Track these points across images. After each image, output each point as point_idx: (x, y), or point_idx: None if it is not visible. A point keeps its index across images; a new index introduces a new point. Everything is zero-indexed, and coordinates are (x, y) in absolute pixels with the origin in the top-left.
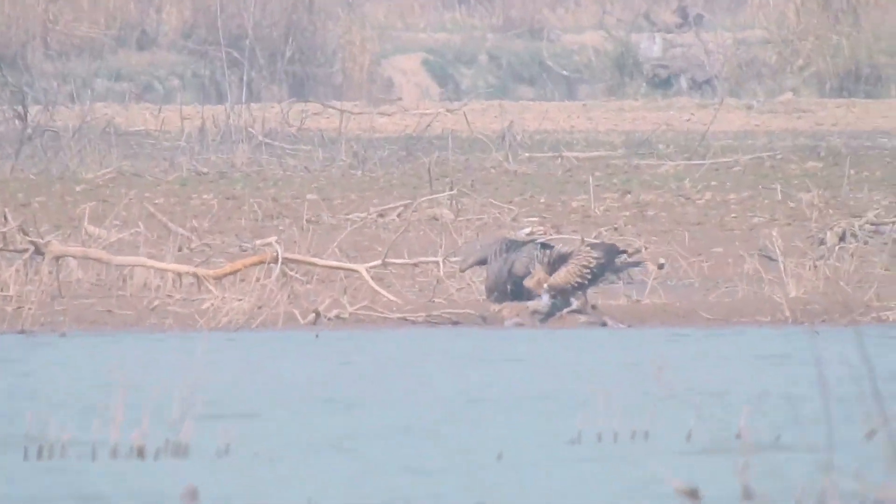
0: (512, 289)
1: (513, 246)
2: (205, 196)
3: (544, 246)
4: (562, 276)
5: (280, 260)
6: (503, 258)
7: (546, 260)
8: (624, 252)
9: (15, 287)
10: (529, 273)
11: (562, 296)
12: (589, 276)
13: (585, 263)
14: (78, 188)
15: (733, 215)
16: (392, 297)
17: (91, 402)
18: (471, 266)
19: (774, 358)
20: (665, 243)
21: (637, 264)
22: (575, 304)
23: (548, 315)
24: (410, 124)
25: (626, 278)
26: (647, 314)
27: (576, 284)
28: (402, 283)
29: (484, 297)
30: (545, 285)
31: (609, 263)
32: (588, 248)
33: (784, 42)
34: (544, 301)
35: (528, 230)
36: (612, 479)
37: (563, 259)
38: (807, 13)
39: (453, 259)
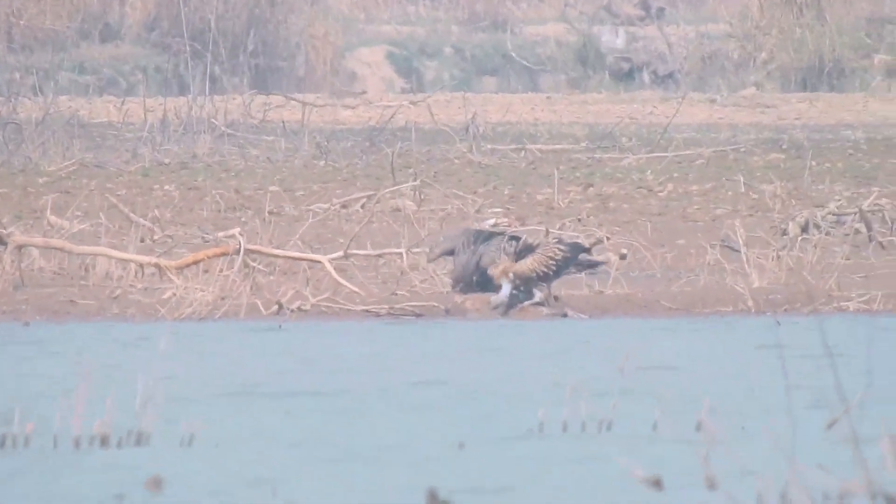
0: (478, 280)
1: (481, 237)
2: (167, 187)
3: (513, 238)
4: (527, 264)
5: (242, 251)
6: (471, 249)
7: (512, 250)
8: (588, 250)
9: None
10: (496, 264)
11: (525, 286)
12: (553, 268)
13: (551, 255)
14: (41, 180)
15: (696, 207)
16: (355, 289)
17: (54, 392)
18: (438, 256)
19: (737, 348)
20: (627, 234)
21: (598, 265)
22: (538, 296)
23: (508, 306)
24: (374, 116)
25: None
26: (610, 305)
27: (540, 273)
28: (365, 274)
29: (449, 288)
30: (510, 273)
31: (573, 259)
32: (556, 241)
33: (747, 36)
34: (503, 293)
35: (492, 221)
36: (576, 469)
37: (529, 249)
38: (770, 7)
39: (416, 250)
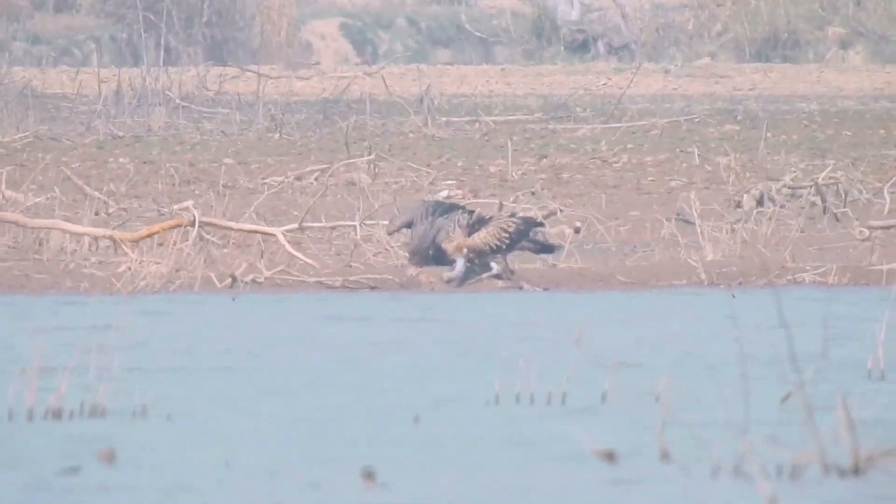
0: (433, 254)
1: (440, 209)
2: (121, 160)
3: (468, 211)
4: (481, 237)
5: (197, 224)
6: (429, 221)
7: (466, 222)
8: (542, 224)
9: None
10: (450, 239)
11: (479, 259)
12: (507, 241)
13: (504, 227)
14: None
15: (650, 178)
16: (309, 261)
17: (8, 366)
18: (398, 229)
19: (692, 321)
20: (582, 207)
21: (553, 248)
22: (495, 268)
23: (464, 280)
24: (328, 88)
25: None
26: (564, 278)
27: (494, 246)
28: (320, 247)
29: (405, 260)
30: (463, 249)
31: (526, 232)
32: (509, 214)
33: (701, 6)
34: (458, 268)
35: (444, 193)
36: (530, 441)
37: (483, 222)
38: None
39: (371, 223)
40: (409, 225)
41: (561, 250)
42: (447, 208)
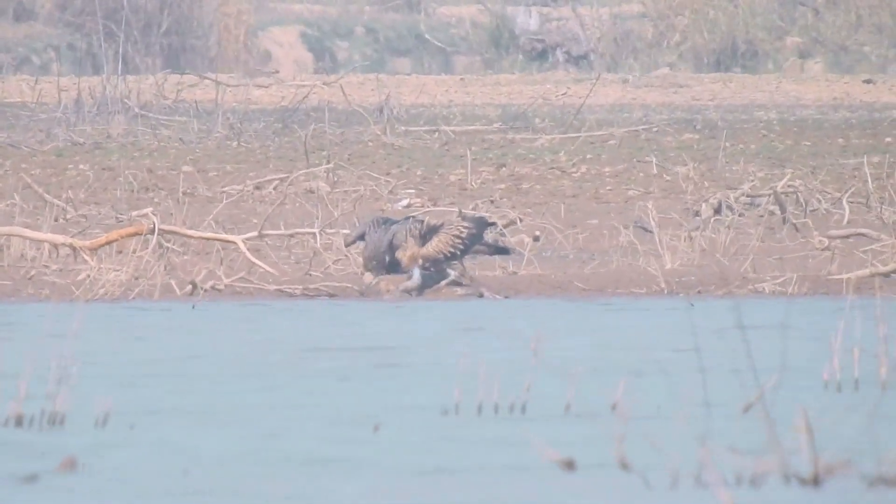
0: (390, 261)
1: (391, 221)
2: (81, 167)
3: (419, 220)
4: (433, 245)
5: (156, 231)
6: (383, 229)
7: (418, 232)
8: (494, 224)
9: None
10: (403, 249)
11: (435, 267)
12: (461, 247)
13: (457, 234)
14: None
15: (608, 188)
16: (269, 269)
17: None
18: (354, 241)
19: (650, 330)
20: (540, 216)
21: (508, 251)
22: (453, 275)
23: (422, 288)
24: (287, 96)
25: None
26: (523, 285)
27: (448, 254)
28: (279, 254)
29: (361, 268)
30: (418, 259)
31: (479, 235)
32: (459, 219)
33: (660, 16)
34: (414, 278)
35: (405, 202)
36: (490, 450)
37: (434, 230)
38: None
39: (330, 231)
40: (362, 237)
41: (516, 253)
42: (397, 221)
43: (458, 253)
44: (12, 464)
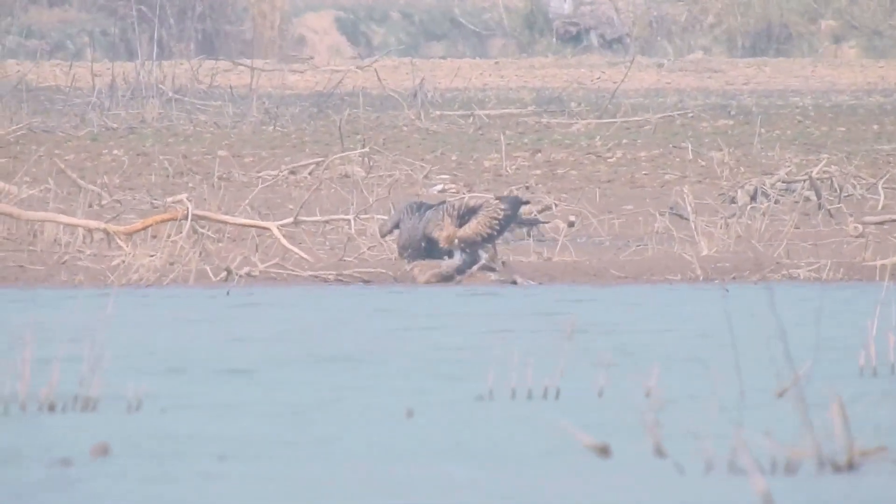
0: (425, 246)
1: (425, 206)
2: (115, 152)
3: (454, 201)
4: (472, 227)
5: (191, 217)
6: (417, 216)
7: (455, 213)
8: (527, 202)
9: None
10: (440, 228)
11: (470, 249)
12: (497, 228)
13: (494, 215)
14: None
15: (644, 173)
16: (304, 255)
17: (1, 358)
18: (390, 231)
19: (684, 315)
20: (576, 201)
21: (538, 222)
22: (484, 257)
23: (459, 272)
24: (322, 81)
25: (536, 235)
26: (558, 272)
27: (485, 235)
28: (314, 240)
29: (396, 255)
30: (455, 240)
31: (514, 215)
32: (497, 200)
33: (694, 0)
34: (455, 258)
35: (440, 187)
36: (524, 436)
37: (472, 212)
38: None
39: (365, 216)
40: (398, 224)
41: (549, 235)
42: (431, 206)
43: (495, 234)
44: (45, 448)
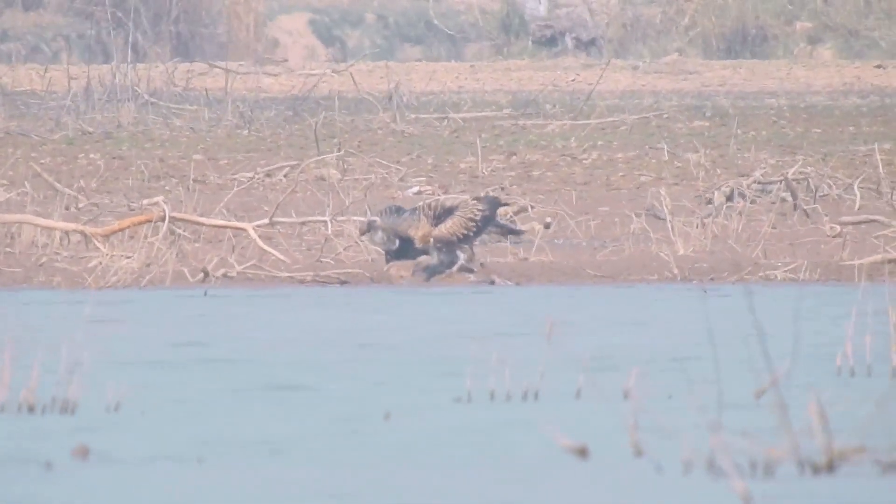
0: (400, 247)
1: (403, 210)
2: (91, 156)
3: (430, 201)
4: (447, 227)
5: (167, 218)
6: (394, 216)
7: (431, 213)
8: (506, 204)
9: None
10: (415, 226)
11: (447, 248)
12: (474, 229)
13: (471, 216)
14: None
15: (620, 174)
16: (280, 256)
17: None
18: (367, 231)
19: (661, 316)
20: (552, 203)
21: (520, 233)
22: (462, 258)
23: (434, 271)
24: (297, 84)
25: (514, 238)
26: (535, 272)
27: (461, 236)
28: (290, 242)
29: (373, 256)
30: (430, 239)
31: (492, 216)
32: (474, 201)
33: (669, 2)
34: (434, 258)
35: (415, 189)
36: (502, 438)
37: (448, 212)
38: None
39: (341, 218)
40: (374, 224)
41: (527, 236)
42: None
43: (471, 235)
44: (26, 451)
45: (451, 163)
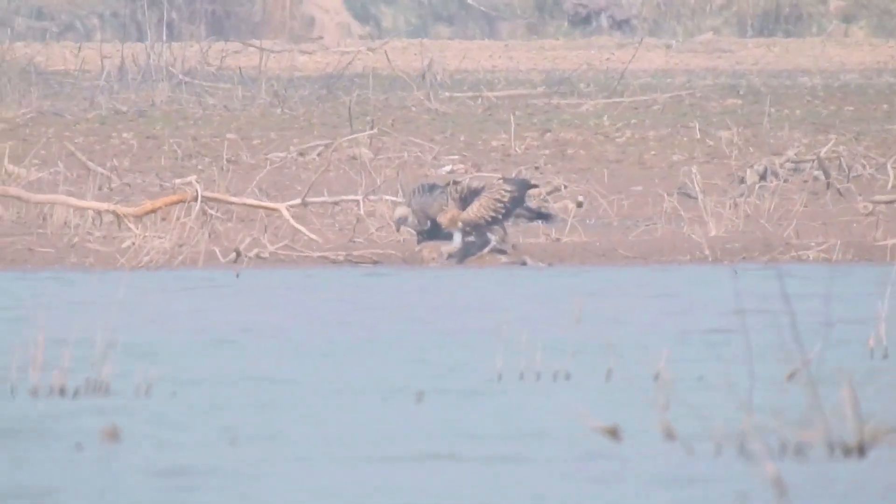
0: (431, 227)
1: (432, 188)
2: (124, 135)
3: (457, 182)
4: (474, 210)
5: (200, 198)
6: (428, 194)
7: (458, 195)
8: (536, 185)
9: None
10: (444, 210)
11: (476, 231)
12: (503, 211)
13: (498, 197)
14: None
15: (653, 153)
16: (312, 236)
17: (11, 341)
18: (400, 226)
19: (693, 297)
20: (584, 182)
21: (550, 217)
22: (493, 240)
23: (463, 254)
24: (331, 63)
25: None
26: (567, 253)
27: (489, 219)
28: (323, 221)
29: (405, 236)
30: (458, 222)
31: (521, 198)
32: (501, 181)
33: None
34: (455, 242)
35: (448, 168)
36: (534, 418)
37: (475, 193)
38: None
39: (373, 198)
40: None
41: (558, 219)
42: (438, 186)
43: (500, 217)
44: (57, 432)
45: (484, 141)
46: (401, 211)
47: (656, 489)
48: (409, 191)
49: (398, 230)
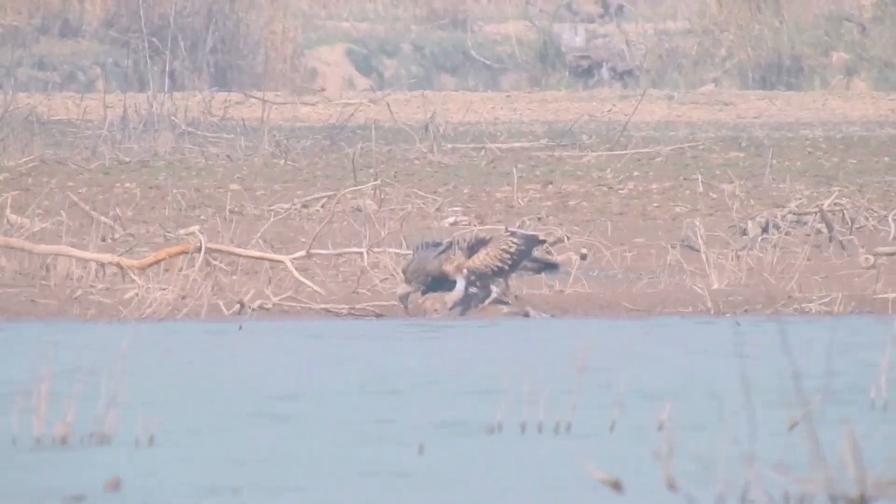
0: (433, 280)
1: (436, 246)
2: (127, 185)
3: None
4: (480, 258)
5: (203, 249)
6: (431, 249)
7: (465, 245)
8: (543, 241)
9: None
10: (450, 261)
11: (480, 281)
12: (509, 262)
13: (505, 248)
14: (0, 177)
15: (655, 205)
16: (316, 288)
17: (14, 393)
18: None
19: (697, 349)
20: (587, 233)
21: (556, 267)
22: (495, 291)
23: (465, 303)
24: (334, 114)
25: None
26: (570, 304)
27: (495, 269)
28: (326, 273)
29: (400, 279)
30: (463, 269)
31: (528, 252)
32: (508, 234)
33: (705, 32)
34: (458, 289)
35: (452, 219)
36: (535, 470)
37: (482, 243)
38: (728, 3)
39: (377, 250)
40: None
41: (563, 269)
42: (441, 244)
43: (506, 268)
44: (59, 484)
45: (487, 193)
46: (402, 289)
47: None
48: (414, 246)
49: (406, 308)
